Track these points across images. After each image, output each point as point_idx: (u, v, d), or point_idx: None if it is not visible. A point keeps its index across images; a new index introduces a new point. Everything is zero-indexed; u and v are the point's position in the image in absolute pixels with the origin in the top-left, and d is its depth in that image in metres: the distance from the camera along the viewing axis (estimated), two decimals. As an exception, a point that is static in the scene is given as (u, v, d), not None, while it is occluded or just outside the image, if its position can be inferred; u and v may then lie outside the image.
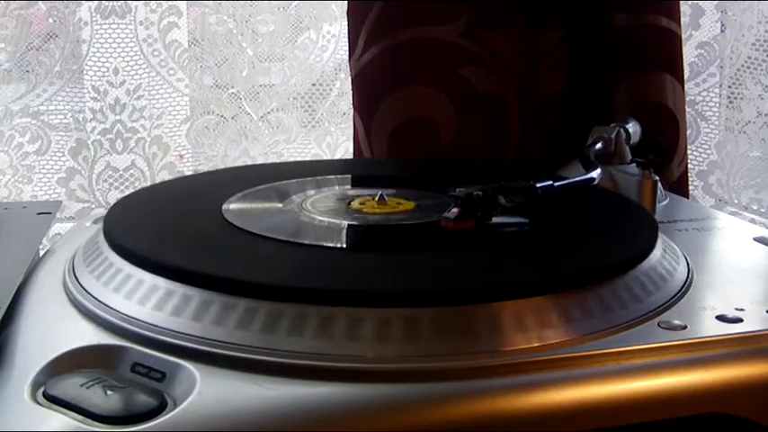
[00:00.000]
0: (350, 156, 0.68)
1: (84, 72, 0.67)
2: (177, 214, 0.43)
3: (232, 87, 0.71)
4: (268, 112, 0.72)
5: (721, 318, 0.33)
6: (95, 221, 0.48)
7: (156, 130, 0.70)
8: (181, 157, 0.71)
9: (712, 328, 0.32)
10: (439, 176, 0.51)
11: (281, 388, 0.28)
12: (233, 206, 0.43)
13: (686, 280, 0.37)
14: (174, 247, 0.37)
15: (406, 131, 0.62)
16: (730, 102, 0.73)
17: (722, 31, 0.74)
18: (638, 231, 0.40)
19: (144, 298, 0.33)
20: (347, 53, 0.65)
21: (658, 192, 0.51)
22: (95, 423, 0.26)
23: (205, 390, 0.27)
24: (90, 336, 0.31)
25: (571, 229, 0.41)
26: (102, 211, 0.47)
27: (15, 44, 0.64)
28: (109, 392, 0.27)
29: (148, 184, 0.69)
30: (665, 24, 0.64)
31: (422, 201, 0.45)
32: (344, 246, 0.39)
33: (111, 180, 0.69)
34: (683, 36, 0.68)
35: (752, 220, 0.71)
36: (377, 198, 0.44)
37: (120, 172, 0.69)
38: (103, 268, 0.36)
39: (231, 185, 0.47)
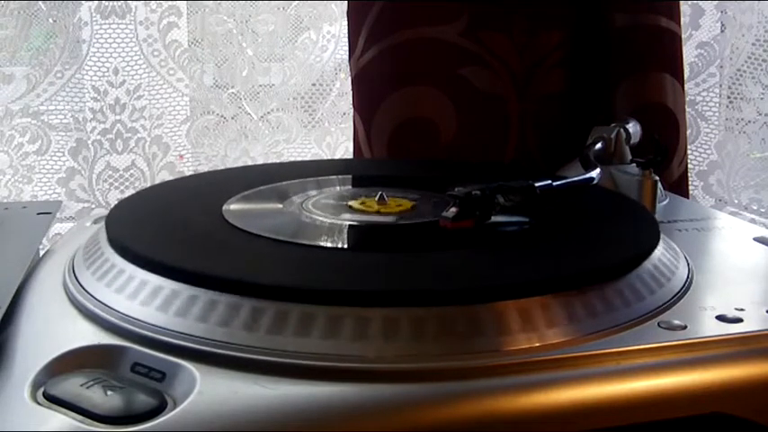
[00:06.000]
0: (350, 156, 0.68)
1: (84, 72, 0.67)
2: (177, 215, 0.43)
3: (232, 87, 0.71)
4: (268, 112, 0.72)
5: (721, 318, 0.33)
6: (95, 221, 0.48)
7: (156, 130, 0.70)
8: (181, 157, 0.71)
9: (712, 328, 0.32)
10: (439, 176, 0.51)
11: (282, 388, 0.28)
12: (233, 206, 0.43)
13: (686, 280, 0.37)
14: (173, 247, 0.37)
15: (406, 131, 0.62)
16: (730, 102, 0.73)
17: (722, 31, 0.74)
18: (638, 231, 0.40)
19: (144, 298, 0.33)
20: (347, 53, 0.65)
21: (658, 192, 0.51)
22: (95, 423, 0.26)
23: (205, 390, 0.27)
24: (90, 336, 0.31)
25: (571, 229, 0.41)
26: (103, 211, 0.47)
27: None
28: (109, 392, 0.27)
29: (148, 184, 0.69)
30: (664, 24, 0.64)
31: (422, 201, 0.45)
32: (345, 246, 0.39)
33: (111, 180, 0.69)
34: (683, 36, 0.68)
35: (752, 220, 0.71)
36: (377, 198, 0.44)
37: (120, 172, 0.69)
38: (104, 268, 0.36)
39: (231, 186, 0.47)
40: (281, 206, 0.44)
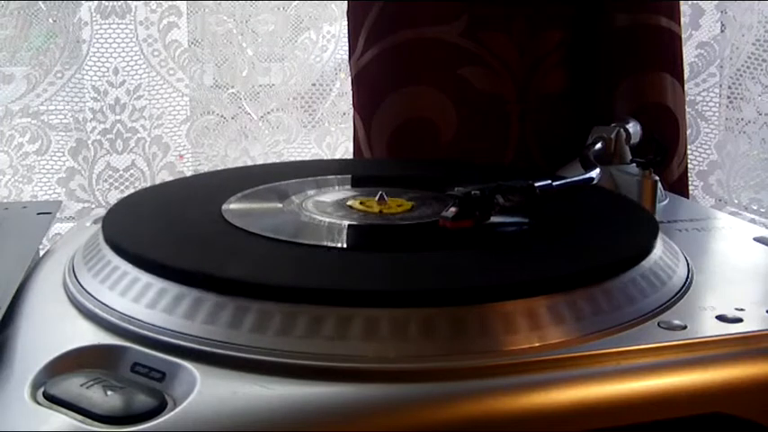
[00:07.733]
0: (350, 156, 0.68)
1: (84, 72, 0.67)
2: (177, 215, 0.43)
3: (232, 87, 0.71)
4: (268, 112, 0.72)
5: (721, 318, 0.33)
6: (95, 221, 0.48)
7: (156, 130, 0.70)
8: (181, 157, 0.71)
9: (712, 328, 0.32)
10: (439, 176, 0.51)
11: (281, 388, 0.28)
12: (233, 206, 0.43)
13: (686, 280, 0.37)
14: (173, 247, 0.37)
15: (406, 131, 0.62)
16: (730, 102, 0.73)
17: (722, 31, 0.74)
18: (638, 231, 0.40)
19: (144, 298, 0.33)
20: (347, 53, 0.65)
21: (658, 192, 0.51)
22: (95, 423, 0.26)
23: (205, 390, 0.27)
24: (90, 336, 0.31)
25: (571, 229, 0.41)
26: (103, 211, 0.47)
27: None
28: (109, 392, 0.27)
29: (148, 184, 0.69)
30: (665, 24, 0.64)
31: (421, 201, 0.45)
32: (344, 246, 0.39)
33: (111, 180, 0.69)
34: (683, 36, 0.68)
35: (752, 220, 0.71)
36: (377, 198, 0.44)
37: (120, 172, 0.69)
38: (103, 268, 0.36)
39: (231, 186, 0.47)
40: (280, 206, 0.44)
